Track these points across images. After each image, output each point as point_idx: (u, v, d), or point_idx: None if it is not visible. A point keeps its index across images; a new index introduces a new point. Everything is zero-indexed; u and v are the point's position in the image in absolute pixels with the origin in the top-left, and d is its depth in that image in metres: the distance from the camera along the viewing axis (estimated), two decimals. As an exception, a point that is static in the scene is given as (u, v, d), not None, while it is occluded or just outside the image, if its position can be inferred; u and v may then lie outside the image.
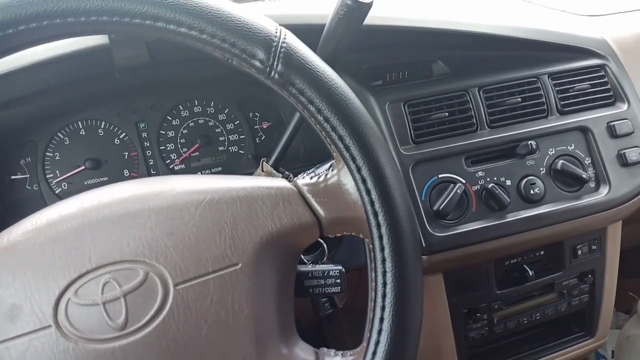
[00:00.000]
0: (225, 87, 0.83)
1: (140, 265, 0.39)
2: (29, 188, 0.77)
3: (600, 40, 0.85)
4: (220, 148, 0.84)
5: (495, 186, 0.70)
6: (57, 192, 0.78)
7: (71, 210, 0.41)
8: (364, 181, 0.42)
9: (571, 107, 0.79)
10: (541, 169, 0.74)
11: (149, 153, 0.81)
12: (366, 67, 0.76)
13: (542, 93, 0.78)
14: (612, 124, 0.78)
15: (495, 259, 0.77)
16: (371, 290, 0.43)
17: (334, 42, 0.58)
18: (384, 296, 0.41)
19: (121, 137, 0.80)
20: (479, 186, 0.72)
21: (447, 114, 0.73)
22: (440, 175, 0.70)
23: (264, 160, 0.70)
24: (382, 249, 0.41)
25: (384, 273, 0.41)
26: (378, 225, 0.42)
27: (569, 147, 0.76)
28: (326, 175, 0.45)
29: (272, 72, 0.41)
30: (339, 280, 0.51)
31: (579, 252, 0.80)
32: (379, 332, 0.41)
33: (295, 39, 0.43)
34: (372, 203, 0.42)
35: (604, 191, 0.75)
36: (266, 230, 0.42)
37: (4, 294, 0.38)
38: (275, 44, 0.41)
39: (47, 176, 0.77)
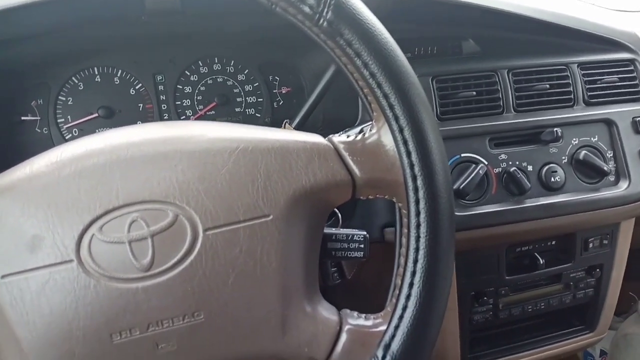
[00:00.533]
0: (248, 47, 0.80)
1: (170, 207, 0.37)
2: (39, 131, 0.75)
3: (632, 35, 0.83)
4: (237, 109, 0.82)
5: (517, 170, 0.69)
6: (67, 137, 0.75)
7: (98, 146, 0.39)
8: (405, 142, 0.40)
9: (598, 99, 0.77)
10: (563, 157, 0.73)
11: (164, 107, 0.79)
12: (396, 39, 0.73)
13: (570, 82, 0.76)
14: (637, 119, 0.77)
15: (507, 245, 0.76)
16: (400, 256, 0.42)
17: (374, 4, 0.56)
18: (415, 261, 0.40)
19: (137, 87, 0.78)
20: (500, 169, 0.70)
21: (474, 93, 0.71)
22: (462, 155, 0.69)
23: (286, 121, 0.68)
24: (418, 214, 0.40)
25: (418, 238, 0.40)
26: (416, 189, 0.40)
27: (592, 139, 0.75)
28: (364, 134, 0.43)
29: (321, 20, 0.39)
30: (362, 246, 0.50)
31: (590, 245, 0.80)
32: (408, 297, 0.40)
33: None
34: (411, 166, 0.40)
35: (623, 185, 0.74)
36: (299, 185, 0.40)
37: (25, 224, 0.36)
38: None
39: (58, 120, 0.75)
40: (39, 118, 0.75)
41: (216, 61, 0.80)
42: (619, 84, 0.79)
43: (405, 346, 0.39)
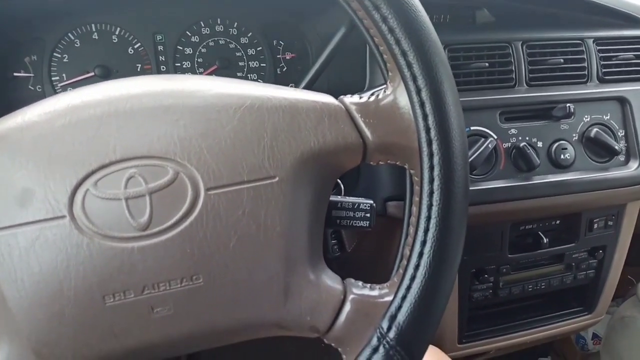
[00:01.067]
0: (252, 9, 0.77)
1: (170, 164, 0.35)
2: (32, 88, 0.72)
3: (650, 11, 0.81)
4: (239, 74, 0.79)
5: (527, 146, 0.67)
6: (62, 96, 0.72)
7: (96, 97, 0.37)
8: (422, 105, 0.38)
9: (612, 76, 0.75)
10: (574, 135, 0.71)
11: (163, 68, 0.76)
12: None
13: (585, 57, 0.74)
14: (651, 98, 0.75)
15: (512, 222, 0.75)
16: (410, 225, 0.40)
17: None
18: (426, 230, 0.38)
19: (136, 47, 0.74)
20: (509, 144, 0.68)
21: (487, 64, 0.69)
22: (472, 128, 0.67)
23: (292, 85, 0.65)
24: (432, 181, 0.38)
25: (430, 206, 0.38)
26: (430, 155, 0.38)
27: (604, 117, 0.73)
28: (378, 95, 0.41)
29: None
30: (368, 215, 0.48)
31: (595, 225, 0.79)
32: (416, 267, 0.38)
33: None
34: (427, 129, 0.38)
35: (633, 166, 0.73)
36: (308, 146, 0.38)
37: (15, 176, 0.34)
38: None
39: (53, 78, 0.72)
40: (32, 75, 0.72)
41: (219, 22, 0.77)
42: (635, 61, 0.77)
43: (411, 318, 0.38)
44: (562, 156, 0.69)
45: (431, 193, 0.38)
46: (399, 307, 0.38)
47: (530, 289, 0.81)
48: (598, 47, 0.75)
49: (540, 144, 0.70)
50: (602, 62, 0.75)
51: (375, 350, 0.37)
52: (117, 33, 0.74)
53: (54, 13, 0.71)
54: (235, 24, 0.78)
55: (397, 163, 0.42)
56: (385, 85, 0.41)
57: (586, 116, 0.72)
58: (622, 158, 0.74)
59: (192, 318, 0.36)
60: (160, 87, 0.38)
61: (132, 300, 0.35)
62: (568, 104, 0.69)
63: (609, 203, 0.77)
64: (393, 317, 0.38)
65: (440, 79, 0.38)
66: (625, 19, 0.78)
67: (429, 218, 0.38)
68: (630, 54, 0.76)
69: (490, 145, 0.65)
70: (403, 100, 0.39)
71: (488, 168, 0.67)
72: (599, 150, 0.72)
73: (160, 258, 0.35)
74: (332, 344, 0.41)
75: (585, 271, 0.83)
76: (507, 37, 0.71)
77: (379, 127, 0.40)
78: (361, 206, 0.47)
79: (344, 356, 0.40)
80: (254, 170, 0.36)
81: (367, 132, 0.40)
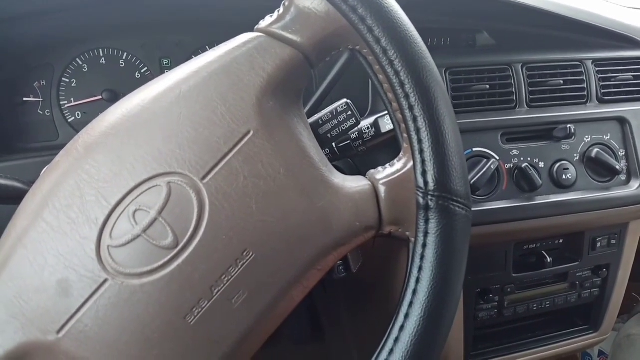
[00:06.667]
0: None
1: (158, 180, 0.36)
2: (41, 113, 0.73)
3: (647, 33, 0.82)
4: (244, 97, 0.80)
5: (529, 166, 0.68)
6: (69, 120, 0.74)
7: (40, 180, 0.37)
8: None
9: (611, 97, 0.76)
10: (575, 155, 0.72)
11: (170, 92, 0.77)
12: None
13: (585, 79, 0.75)
14: (650, 118, 0.76)
15: (515, 242, 0.75)
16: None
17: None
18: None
19: (142, 71, 0.76)
20: (512, 165, 0.69)
21: (488, 86, 0.70)
22: (474, 149, 0.68)
23: (297, 109, 0.66)
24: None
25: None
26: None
27: (604, 137, 0.74)
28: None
29: None
30: (350, 112, 0.49)
31: (598, 244, 0.79)
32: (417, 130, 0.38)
33: None
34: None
35: (634, 185, 0.73)
36: (257, 88, 0.38)
37: (44, 276, 0.34)
38: None
39: (61, 102, 0.73)
40: (41, 99, 0.73)
41: (224, 47, 0.78)
42: (633, 82, 0.78)
43: (439, 167, 0.38)
44: (564, 176, 0.70)
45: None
46: (423, 162, 0.38)
47: (535, 308, 0.81)
48: (597, 69, 0.76)
49: (542, 165, 0.70)
50: (602, 83, 0.76)
51: (426, 207, 0.38)
52: (124, 58, 0.75)
53: (62, 39, 0.72)
54: (240, 48, 0.79)
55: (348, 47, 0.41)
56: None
57: (587, 136, 0.73)
58: (623, 177, 0.74)
59: (266, 288, 0.37)
60: (101, 124, 0.38)
61: (210, 305, 0.35)
62: (569, 125, 0.70)
63: (612, 222, 0.77)
64: (424, 173, 0.38)
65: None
66: (622, 40, 0.79)
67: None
68: (629, 75, 0.78)
69: (492, 166, 0.66)
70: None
71: (491, 189, 0.68)
72: (600, 170, 0.73)
73: (205, 258, 0.35)
74: (395, 234, 0.41)
75: (590, 289, 0.83)
76: (507, 59, 0.72)
77: (305, 29, 0.39)
78: (338, 109, 0.49)
79: (411, 239, 0.40)
80: (227, 138, 0.37)
81: (296, 38, 0.39)
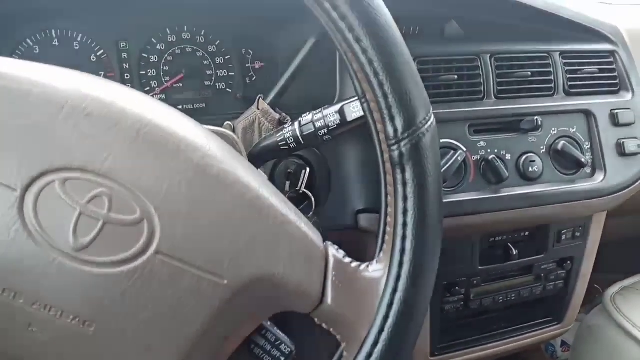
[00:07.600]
0: (221, 16, 0.75)
1: (142, 206, 0.33)
2: (-13, 97, 0.68)
3: (614, 27, 0.82)
4: (207, 83, 0.77)
5: (496, 158, 0.68)
6: (19, 105, 0.69)
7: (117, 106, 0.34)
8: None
9: (577, 89, 0.76)
10: (542, 147, 0.72)
11: (127, 76, 0.73)
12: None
13: (552, 70, 0.75)
14: (615, 111, 0.76)
15: (482, 234, 0.75)
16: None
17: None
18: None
19: (98, 54, 0.72)
20: (479, 156, 0.69)
21: (456, 77, 0.69)
22: (442, 140, 0.67)
23: (260, 97, 0.64)
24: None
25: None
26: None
27: (570, 129, 0.74)
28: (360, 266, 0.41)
29: None
30: (282, 359, 0.42)
31: (563, 237, 0.80)
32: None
33: None
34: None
35: (599, 178, 0.74)
36: (272, 273, 0.36)
37: None
38: None
39: (9, 86, 0.69)
40: (-13, 82, 0.68)
41: (185, 29, 0.75)
42: (599, 75, 0.78)
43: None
44: (530, 168, 0.70)
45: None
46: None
47: (500, 300, 0.81)
48: (564, 61, 0.76)
49: (508, 157, 0.70)
50: (568, 76, 0.76)
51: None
52: (78, 40, 0.71)
53: (11, 18, 0.68)
54: (203, 31, 0.76)
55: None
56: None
57: (553, 129, 0.73)
58: (588, 170, 0.75)
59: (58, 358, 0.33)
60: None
61: (18, 306, 0.32)
62: (536, 117, 0.69)
63: (577, 214, 0.78)
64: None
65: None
66: (590, 33, 0.80)
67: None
68: (594, 68, 0.78)
69: (460, 158, 0.65)
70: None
71: (457, 181, 0.67)
72: (566, 162, 0.73)
73: (70, 285, 0.32)
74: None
75: (554, 282, 0.84)
76: (476, 50, 0.71)
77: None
78: (281, 347, 0.42)
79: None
80: (211, 260, 0.34)
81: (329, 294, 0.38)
